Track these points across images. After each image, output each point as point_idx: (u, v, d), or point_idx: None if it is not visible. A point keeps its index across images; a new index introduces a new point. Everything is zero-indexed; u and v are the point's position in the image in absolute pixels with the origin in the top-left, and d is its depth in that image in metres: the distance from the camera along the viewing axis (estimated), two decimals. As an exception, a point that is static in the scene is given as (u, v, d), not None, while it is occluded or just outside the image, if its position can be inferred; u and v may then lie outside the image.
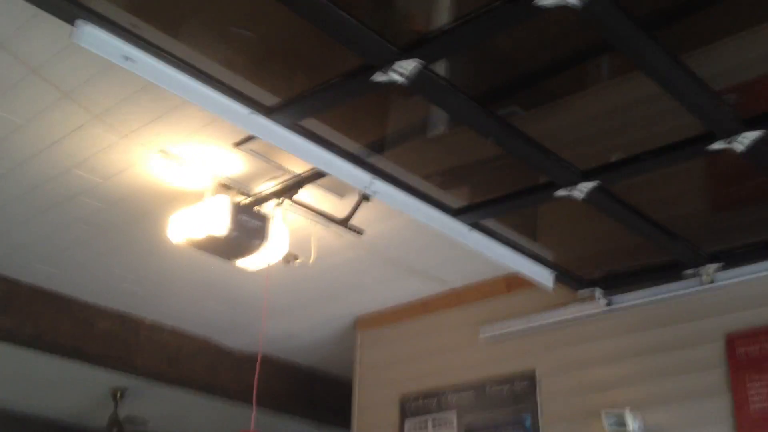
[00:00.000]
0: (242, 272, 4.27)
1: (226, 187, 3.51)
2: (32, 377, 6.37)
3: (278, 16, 2.41)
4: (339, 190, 3.58)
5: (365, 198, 3.23)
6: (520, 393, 4.11)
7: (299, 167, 3.38)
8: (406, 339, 4.76)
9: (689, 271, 3.50)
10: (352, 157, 2.84)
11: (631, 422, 3.48)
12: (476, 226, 3.25)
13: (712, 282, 3.46)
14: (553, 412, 3.95)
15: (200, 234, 3.36)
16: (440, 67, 2.60)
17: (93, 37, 2.31)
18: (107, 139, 3.23)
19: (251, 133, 2.71)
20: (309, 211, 3.56)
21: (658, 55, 2.31)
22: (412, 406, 4.56)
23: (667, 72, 2.36)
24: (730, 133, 2.54)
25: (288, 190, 3.42)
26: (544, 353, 4.09)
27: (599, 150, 3.10)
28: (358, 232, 3.52)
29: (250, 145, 3.20)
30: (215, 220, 3.31)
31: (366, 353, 4.97)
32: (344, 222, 3.43)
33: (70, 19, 2.25)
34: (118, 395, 6.81)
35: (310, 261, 3.92)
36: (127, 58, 2.38)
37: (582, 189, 2.84)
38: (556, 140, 2.83)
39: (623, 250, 3.65)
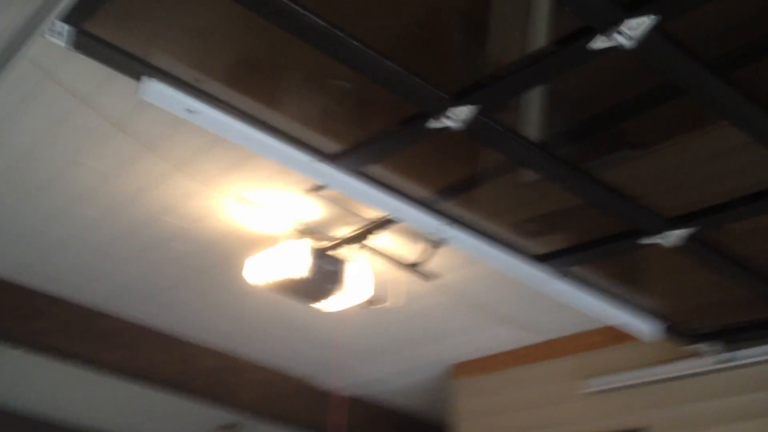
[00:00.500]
0: (329, 315, 4.31)
1: (303, 231, 3.55)
2: (142, 409, 6.64)
3: (338, 69, 2.43)
4: (416, 235, 3.54)
5: (437, 244, 3.16)
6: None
7: (371, 212, 3.37)
8: (506, 388, 4.63)
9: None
10: (421, 203, 2.80)
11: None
12: (562, 274, 3.12)
13: None
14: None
15: (278, 276, 3.40)
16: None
17: (157, 92, 2.39)
18: (188, 186, 3.34)
19: (315, 179, 2.72)
20: (381, 255, 3.52)
21: (733, 98, 2.15)
22: (509, 458, 4.41)
23: (748, 116, 2.20)
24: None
25: (365, 234, 3.40)
26: (655, 410, 3.85)
27: (691, 199, 2.91)
28: (430, 277, 3.44)
29: (321, 192, 3.23)
30: (295, 263, 3.35)
31: (463, 401, 4.85)
32: (414, 266, 3.35)
33: (136, 76, 2.35)
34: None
35: (399, 304, 3.89)
36: (190, 111, 2.45)
37: (668, 237, 2.70)
38: (642, 188, 2.69)
39: (738, 301, 3.39)
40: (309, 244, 3.40)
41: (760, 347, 3.48)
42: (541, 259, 3.00)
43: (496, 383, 4.70)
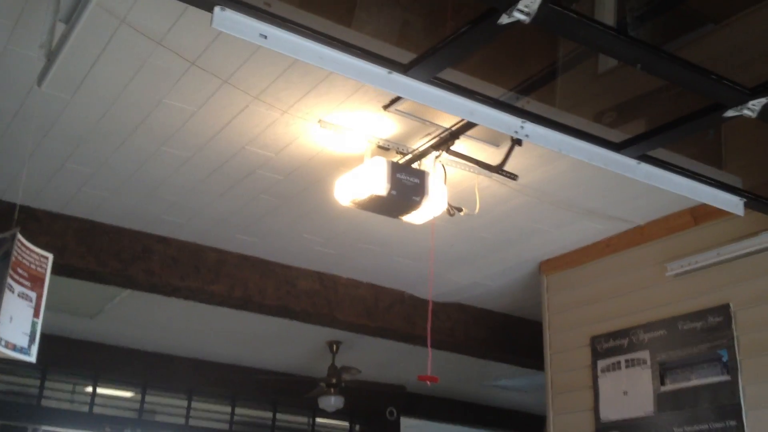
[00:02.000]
0: (417, 227, 4.42)
1: (383, 148, 3.63)
2: (249, 335, 7.01)
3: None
4: (493, 139, 3.58)
5: (517, 142, 3.16)
6: (714, 327, 3.92)
7: (448, 121, 3.42)
8: (593, 280, 4.68)
9: None
10: (498, 103, 2.76)
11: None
12: (644, 158, 3.07)
13: None
14: (752, 345, 3.73)
15: (363, 195, 3.51)
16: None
17: (230, 20, 2.44)
18: (270, 116, 3.45)
19: (393, 92, 2.74)
20: (464, 161, 3.57)
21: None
22: (603, 347, 4.49)
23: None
24: None
25: (442, 144, 3.46)
26: (737, 285, 3.86)
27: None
28: (513, 177, 3.47)
29: (398, 105, 3.28)
30: (374, 180, 3.44)
31: (553, 296, 4.95)
32: (498, 168, 3.40)
33: (208, 7, 2.42)
34: (335, 347, 7.33)
35: (476, 211, 3.95)
36: (263, 36, 2.50)
37: (753, 107, 2.61)
38: (720, 64, 2.63)
39: None
40: (389, 160, 3.48)
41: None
42: (624, 145, 2.97)
43: (583, 276, 4.76)
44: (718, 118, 2.66)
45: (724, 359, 3.83)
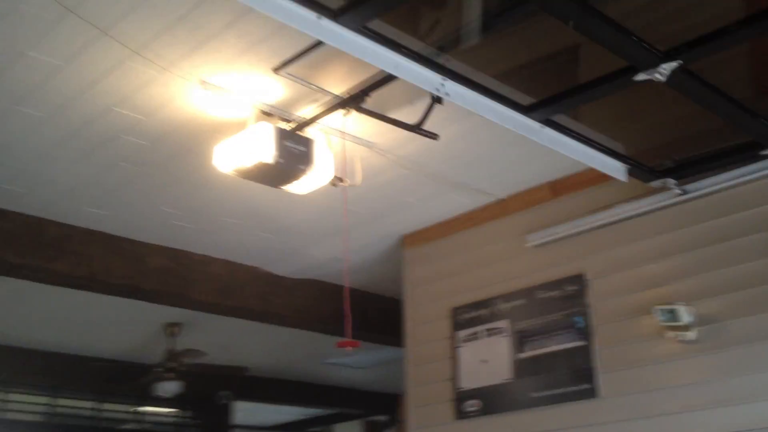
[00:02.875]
0: (288, 200, 4.35)
1: (267, 114, 3.52)
2: (87, 318, 6.60)
3: None
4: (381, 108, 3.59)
5: (437, 100, 3.07)
6: (571, 296, 4.17)
7: (339, 88, 3.37)
8: (454, 253, 4.82)
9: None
10: (421, 58, 2.71)
11: (685, 316, 3.52)
12: (548, 122, 3.12)
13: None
14: (605, 312, 4.00)
15: (247, 162, 3.39)
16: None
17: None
18: (146, 74, 3.24)
19: (320, 38, 2.55)
20: (380, 120, 3.43)
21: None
22: (463, 318, 4.64)
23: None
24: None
25: (354, 100, 3.30)
26: (592, 255, 4.12)
27: (676, 29, 2.86)
28: (433, 136, 3.34)
29: (289, 68, 3.20)
30: (261, 147, 3.33)
31: (414, 269, 5.04)
32: (416, 127, 3.27)
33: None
34: (173, 329, 7.05)
35: (358, 183, 3.94)
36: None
37: (664, 70, 2.68)
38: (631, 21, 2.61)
39: (689, 138, 3.56)
40: (276, 126, 3.38)
41: (709, 179, 3.66)
42: (532, 108, 3.01)
43: (445, 249, 4.88)
44: (628, 82, 2.73)
45: (580, 325, 4.09)
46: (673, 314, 3.53)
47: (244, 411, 9.61)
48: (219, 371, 7.79)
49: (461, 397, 4.52)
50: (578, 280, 4.15)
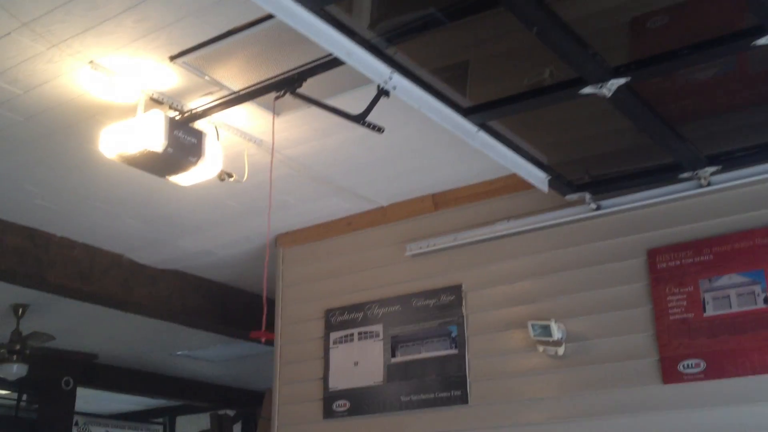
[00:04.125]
0: (164, 189, 4.19)
1: (157, 102, 3.37)
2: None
3: None
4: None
5: (384, 93, 2.86)
6: (446, 305, 4.26)
7: (235, 83, 3.27)
8: (331, 256, 4.81)
9: (685, 174, 3.46)
10: (372, 47, 2.60)
11: (557, 332, 3.68)
12: (484, 126, 3.07)
13: (708, 185, 3.47)
14: (479, 323, 4.12)
15: (133, 149, 3.23)
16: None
17: None
18: (33, 48, 3.01)
19: (274, 14, 2.38)
20: (317, 107, 3.20)
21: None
22: (337, 320, 4.64)
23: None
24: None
25: (289, 83, 3.09)
26: (470, 268, 4.23)
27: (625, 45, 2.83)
28: (378, 130, 3.13)
29: (186, 57, 3.07)
30: (150, 135, 3.19)
31: (289, 269, 4.99)
32: (360, 119, 3.04)
33: None
34: (20, 311, 6.61)
35: (244, 179, 3.85)
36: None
37: (611, 86, 2.67)
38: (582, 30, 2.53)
39: (605, 155, 3.56)
40: (167, 115, 3.24)
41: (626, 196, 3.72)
42: (470, 111, 2.97)
43: (321, 251, 4.87)
44: (574, 94, 2.72)
45: (454, 335, 4.19)
46: (546, 330, 3.69)
47: (87, 398, 9.19)
48: (66, 356, 7.40)
49: (331, 396, 4.52)
50: (455, 290, 4.25)
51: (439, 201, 4.45)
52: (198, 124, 3.44)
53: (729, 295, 3.44)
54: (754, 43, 2.45)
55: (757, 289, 3.38)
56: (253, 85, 3.24)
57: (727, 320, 3.40)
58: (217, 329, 6.27)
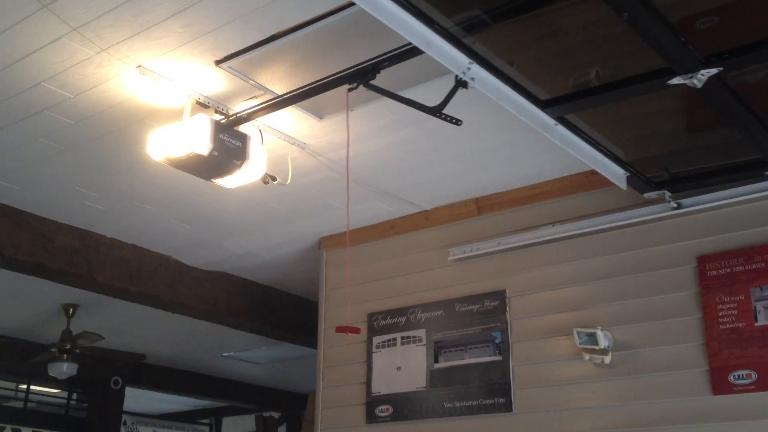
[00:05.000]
0: (210, 192, 4.23)
1: (203, 105, 3.41)
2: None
3: None
4: (318, 111, 3.53)
5: (462, 85, 2.75)
6: (490, 311, 4.22)
7: (278, 86, 3.29)
8: (375, 259, 4.81)
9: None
10: (451, 37, 2.50)
11: (603, 340, 3.62)
12: (562, 120, 2.97)
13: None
14: (523, 329, 4.07)
15: (180, 152, 3.27)
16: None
17: None
18: (83, 53, 3.07)
19: (358, 3, 2.31)
20: (392, 99, 3.08)
21: None
22: (380, 324, 4.64)
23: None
24: None
25: (362, 75, 2.97)
26: (514, 274, 4.19)
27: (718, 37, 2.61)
28: (456, 122, 3.00)
29: (232, 62, 3.10)
30: (196, 138, 3.23)
31: (332, 272, 4.99)
32: (437, 111, 2.93)
33: None
34: (71, 311, 6.75)
35: (288, 182, 3.87)
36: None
37: (702, 76, 2.51)
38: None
39: (683, 151, 3.42)
40: (213, 119, 3.28)
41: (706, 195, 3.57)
42: (549, 104, 2.87)
43: (365, 254, 4.86)
44: (661, 84, 2.59)
45: (497, 341, 4.15)
46: (592, 337, 3.63)
47: (135, 398, 9.34)
48: (115, 356, 7.52)
49: (374, 401, 4.51)
50: (499, 296, 4.21)
51: (482, 205, 4.41)
52: (243, 128, 3.47)
53: (782, 304, 3.35)
54: None
55: (812, 298, 3.28)
56: (322, 79, 3.11)
57: (780, 331, 3.30)
58: (262, 331, 6.32)
